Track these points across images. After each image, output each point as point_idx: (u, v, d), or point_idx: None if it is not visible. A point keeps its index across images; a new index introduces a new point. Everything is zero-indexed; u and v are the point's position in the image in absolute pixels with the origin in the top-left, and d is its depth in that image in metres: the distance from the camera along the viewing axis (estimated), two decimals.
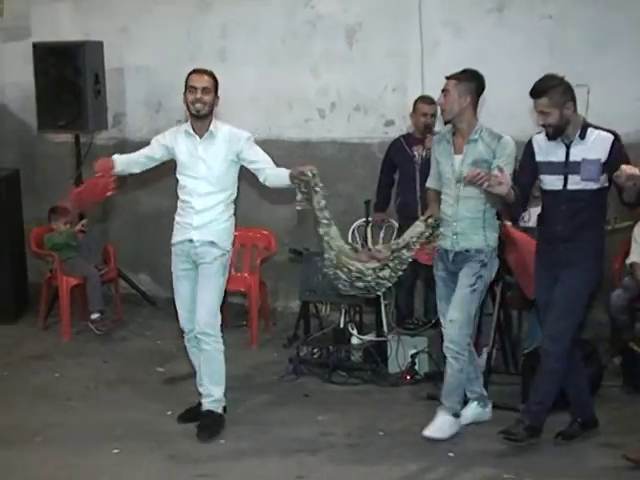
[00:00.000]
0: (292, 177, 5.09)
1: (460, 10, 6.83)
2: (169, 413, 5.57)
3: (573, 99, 4.73)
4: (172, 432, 5.30)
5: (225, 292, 5.37)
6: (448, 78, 5.00)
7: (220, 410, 5.30)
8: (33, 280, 7.95)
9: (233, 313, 7.51)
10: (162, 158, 5.38)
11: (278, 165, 5.33)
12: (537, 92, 4.68)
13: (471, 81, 4.97)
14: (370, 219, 6.82)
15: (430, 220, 5.17)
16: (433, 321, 6.00)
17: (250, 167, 5.27)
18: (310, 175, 5.05)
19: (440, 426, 5.09)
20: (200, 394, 5.38)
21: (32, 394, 5.98)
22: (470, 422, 5.26)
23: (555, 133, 4.73)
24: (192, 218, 5.22)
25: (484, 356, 5.80)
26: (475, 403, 5.32)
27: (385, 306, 6.40)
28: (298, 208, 5.18)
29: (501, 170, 4.66)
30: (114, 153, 8.03)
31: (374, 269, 5.15)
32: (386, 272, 5.16)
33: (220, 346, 5.25)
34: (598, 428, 5.07)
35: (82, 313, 7.42)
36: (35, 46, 7.34)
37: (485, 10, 6.75)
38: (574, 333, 4.83)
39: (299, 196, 5.10)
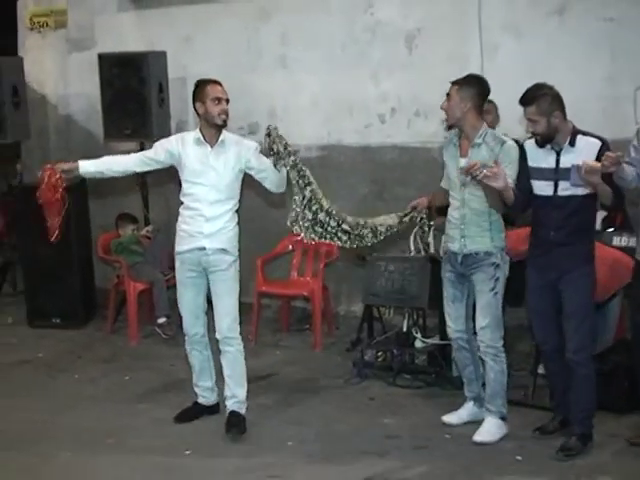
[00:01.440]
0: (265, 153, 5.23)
1: (520, 14, 6.83)
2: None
3: (562, 108, 4.83)
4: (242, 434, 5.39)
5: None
6: (452, 83, 5.15)
7: (244, 411, 5.45)
8: (100, 286, 8.11)
9: (296, 317, 7.63)
10: (164, 162, 5.46)
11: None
12: (526, 101, 4.81)
13: (472, 86, 5.10)
14: (432, 224, 6.83)
15: (406, 219, 5.38)
16: None
17: (257, 176, 5.41)
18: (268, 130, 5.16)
19: (489, 430, 5.19)
20: (196, 394, 5.65)
21: (103, 397, 6.13)
22: (466, 421, 5.40)
23: (544, 141, 4.84)
24: (202, 226, 5.33)
25: None
26: (472, 403, 5.45)
27: None
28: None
29: (497, 163, 4.77)
30: None
31: (339, 224, 5.33)
32: (344, 236, 5.36)
33: (242, 348, 5.43)
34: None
35: (149, 317, 7.58)
36: (101, 57, 7.51)
37: (545, 13, 6.73)
38: (592, 337, 5.01)
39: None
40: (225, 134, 5.37)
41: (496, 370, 5.17)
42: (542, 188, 4.89)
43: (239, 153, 5.35)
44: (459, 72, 7.01)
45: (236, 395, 5.43)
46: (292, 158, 5.19)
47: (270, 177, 5.36)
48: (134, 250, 7.48)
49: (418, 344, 6.34)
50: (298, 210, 5.29)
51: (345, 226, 5.34)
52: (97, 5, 8.41)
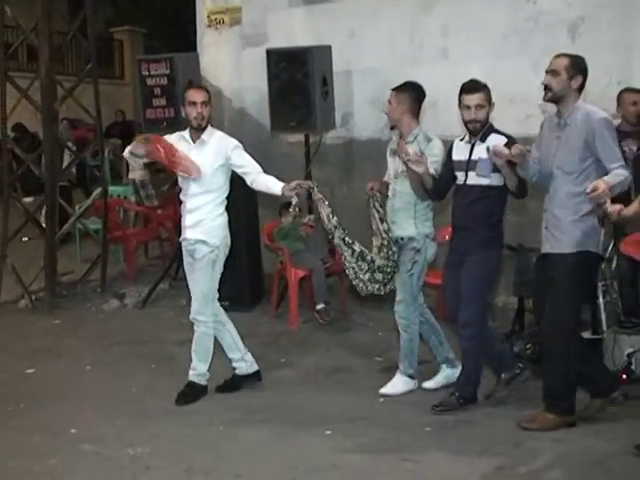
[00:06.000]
0: (286, 190, 5.68)
1: None
2: (381, 400, 5.86)
3: None
4: (381, 418, 5.58)
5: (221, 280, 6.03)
6: (391, 90, 5.81)
7: (203, 382, 6.00)
8: (269, 272, 8.42)
9: None
10: None
11: None
12: (474, 88, 5.38)
13: (407, 91, 5.78)
14: None
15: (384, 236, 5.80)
16: None
17: (238, 171, 5.88)
18: (312, 185, 5.86)
19: (394, 384, 5.92)
20: (234, 367, 6.14)
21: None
22: (443, 384, 5.96)
23: (479, 130, 5.41)
24: (185, 217, 5.89)
25: None
26: (444, 366, 6.05)
27: (605, 303, 6.30)
28: (291, 212, 5.92)
29: (422, 153, 5.48)
30: (343, 152, 8.54)
31: (390, 265, 5.80)
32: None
33: (209, 331, 5.95)
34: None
35: (310, 303, 7.84)
36: (268, 52, 7.82)
37: None
38: (481, 315, 5.53)
39: (293, 205, 5.79)
40: (210, 132, 5.86)
41: (405, 338, 5.88)
42: (459, 178, 5.53)
43: (219, 150, 5.81)
44: (623, 61, 6.96)
45: (195, 368, 5.99)
46: (335, 219, 5.81)
47: (251, 175, 5.81)
48: (296, 238, 7.75)
49: None
50: (354, 266, 5.78)
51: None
52: (269, 2, 8.75)
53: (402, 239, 5.80)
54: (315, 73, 7.62)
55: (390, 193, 5.88)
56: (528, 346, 6.29)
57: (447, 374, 6.00)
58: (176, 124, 8.20)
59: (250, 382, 6.13)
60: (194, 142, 5.84)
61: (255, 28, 8.80)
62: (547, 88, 5.15)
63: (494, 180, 5.34)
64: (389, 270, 5.80)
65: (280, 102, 7.77)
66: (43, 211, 9.35)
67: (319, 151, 8.07)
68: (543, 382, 5.35)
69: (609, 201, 4.63)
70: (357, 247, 5.82)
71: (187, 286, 6.13)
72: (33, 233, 10.34)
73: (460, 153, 5.54)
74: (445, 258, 5.78)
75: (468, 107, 5.39)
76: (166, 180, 10.63)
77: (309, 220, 7.79)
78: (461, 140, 5.59)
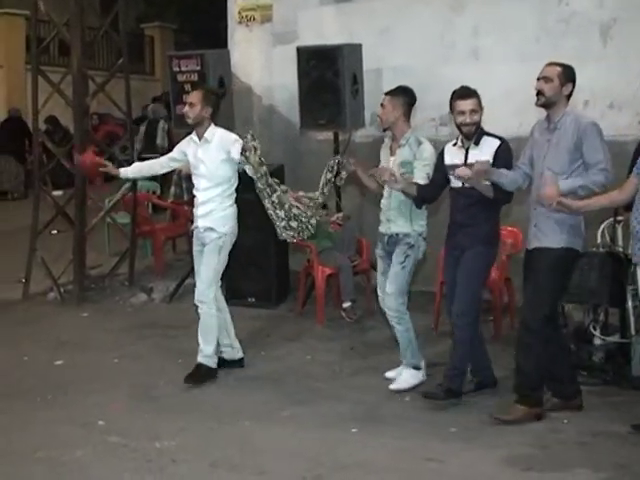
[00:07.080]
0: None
1: None
2: (407, 399, 5.87)
3: None
4: (406, 417, 5.60)
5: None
6: (385, 94, 6.03)
7: (211, 364, 6.30)
8: (296, 269, 8.40)
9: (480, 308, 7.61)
10: (183, 160, 6.54)
11: None
12: (467, 94, 5.62)
13: (401, 96, 6.00)
14: (620, 218, 6.67)
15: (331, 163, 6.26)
16: None
17: (238, 166, 6.20)
18: (249, 137, 6.07)
19: (402, 379, 6.03)
20: (221, 351, 6.47)
21: (283, 374, 6.46)
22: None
23: (473, 133, 5.60)
24: (198, 208, 6.34)
25: None
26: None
27: (634, 308, 6.27)
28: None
29: (395, 176, 5.72)
30: (371, 150, 8.51)
31: (306, 215, 6.24)
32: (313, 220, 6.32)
33: (212, 312, 6.28)
34: (495, 387, 5.88)
35: (337, 301, 7.85)
36: (298, 50, 7.83)
37: None
38: (476, 307, 5.71)
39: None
40: (212, 131, 6.26)
41: (401, 330, 6.04)
42: (455, 181, 5.67)
43: (220, 145, 6.21)
44: None
45: (202, 350, 6.30)
46: (264, 169, 6.05)
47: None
48: (324, 235, 7.75)
49: (597, 341, 6.22)
50: (271, 212, 6.15)
51: (317, 217, 6.29)
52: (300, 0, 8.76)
53: (397, 235, 5.99)
54: (345, 71, 7.63)
55: (385, 192, 6.07)
56: None
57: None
58: None
59: (234, 366, 6.49)
60: (199, 141, 6.26)
61: (286, 25, 8.80)
62: (540, 94, 5.37)
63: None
64: (304, 219, 6.19)
65: (310, 100, 7.78)
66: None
67: (348, 149, 8.08)
68: (516, 373, 5.50)
69: (555, 203, 5.04)
70: (275, 198, 6.13)
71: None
72: (62, 226, 10.41)
73: (454, 157, 5.70)
74: (445, 257, 5.97)
75: (463, 112, 5.59)
76: None
77: (337, 218, 7.79)
78: (454, 145, 5.77)
